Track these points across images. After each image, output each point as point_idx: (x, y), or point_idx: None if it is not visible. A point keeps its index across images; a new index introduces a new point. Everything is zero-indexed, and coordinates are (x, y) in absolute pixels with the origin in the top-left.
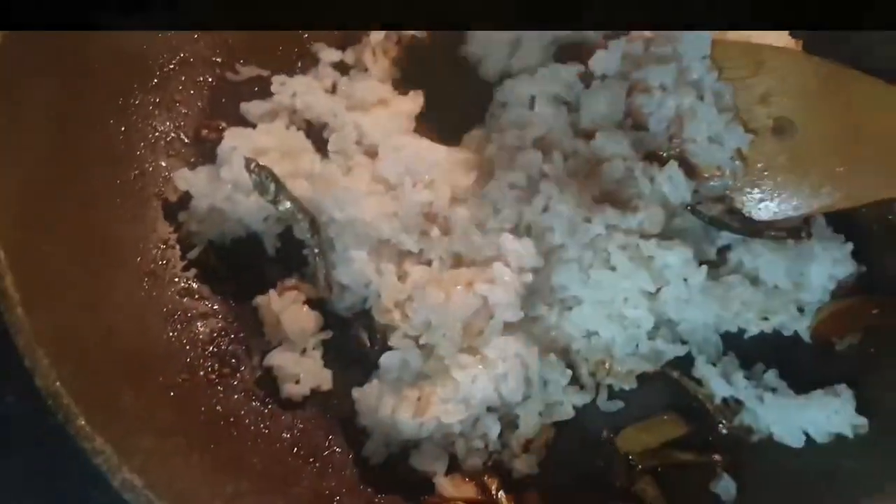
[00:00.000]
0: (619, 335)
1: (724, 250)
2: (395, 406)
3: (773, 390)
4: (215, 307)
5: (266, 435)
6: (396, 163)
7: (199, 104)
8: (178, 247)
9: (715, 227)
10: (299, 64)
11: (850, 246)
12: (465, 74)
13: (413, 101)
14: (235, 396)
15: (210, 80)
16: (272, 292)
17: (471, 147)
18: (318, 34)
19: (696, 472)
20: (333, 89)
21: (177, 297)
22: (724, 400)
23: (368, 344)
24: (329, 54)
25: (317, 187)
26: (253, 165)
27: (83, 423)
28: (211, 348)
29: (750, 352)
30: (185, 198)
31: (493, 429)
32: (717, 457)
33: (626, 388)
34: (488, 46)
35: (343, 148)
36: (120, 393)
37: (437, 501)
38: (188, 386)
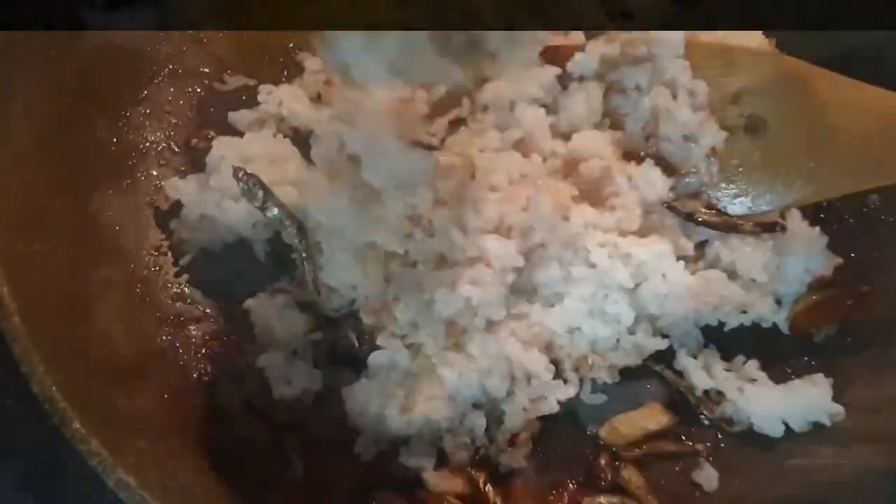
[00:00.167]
0: (601, 330)
1: (701, 245)
2: (383, 404)
3: (753, 381)
4: (207, 311)
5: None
6: (380, 168)
7: (188, 114)
8: (170, 253)
9: (692, 223)
10: (285, 73)
11: (825, 239)
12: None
13: (396, 106)
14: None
15: (199, 90)
16: (262, 296)
17: (453, 150)
18: (304, 43)
19: (680, 462)
20: (319, 98)
21: (169, 301)
22: (706, 391)
23: (357, 344)
24: (314, 63)
25: (303, 193)
26: (241, 173)
27: (79, 426)
28: (203, 351)
29: (730, 344)
30: (177, 206)
31: (480, 424)
32: (699, 447)
33: (610, 381)
34: None
35: (328, 155)
36: (114, 396)
37: (428, 496)
38: (181, 388)
